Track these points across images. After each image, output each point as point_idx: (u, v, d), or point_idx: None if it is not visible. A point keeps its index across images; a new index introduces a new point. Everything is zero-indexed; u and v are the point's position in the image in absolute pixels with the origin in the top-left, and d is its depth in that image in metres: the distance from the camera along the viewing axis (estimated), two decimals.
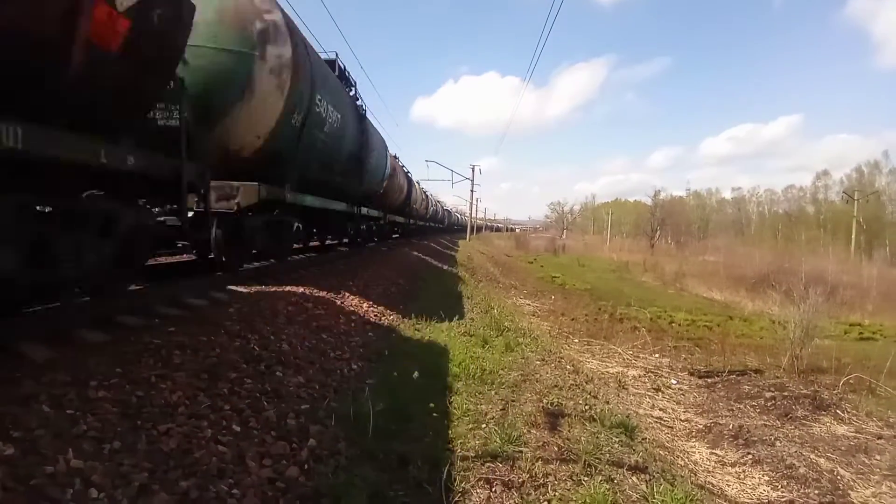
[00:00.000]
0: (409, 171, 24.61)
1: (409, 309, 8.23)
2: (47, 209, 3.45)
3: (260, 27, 6.26)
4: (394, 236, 24.74)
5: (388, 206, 18.29)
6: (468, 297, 10.92)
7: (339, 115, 9.40)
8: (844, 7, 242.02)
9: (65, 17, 2.89)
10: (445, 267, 17.63)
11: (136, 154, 3.90)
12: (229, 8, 6.09)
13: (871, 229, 55.08)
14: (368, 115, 12.82)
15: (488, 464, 3.31)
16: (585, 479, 3.36)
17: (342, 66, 11.32)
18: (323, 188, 9.38)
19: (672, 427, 6.46)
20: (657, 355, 10.28)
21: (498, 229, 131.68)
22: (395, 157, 19.56)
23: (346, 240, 14.06)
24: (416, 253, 19.18)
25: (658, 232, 72.13)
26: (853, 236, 45.61)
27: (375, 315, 7.11)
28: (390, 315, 7.46)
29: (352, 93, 11.75)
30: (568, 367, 6.97)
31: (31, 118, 2.90)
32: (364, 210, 13.66)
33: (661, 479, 3.76)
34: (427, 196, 37.29)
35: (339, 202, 10.75)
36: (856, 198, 47.06)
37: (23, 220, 3.14)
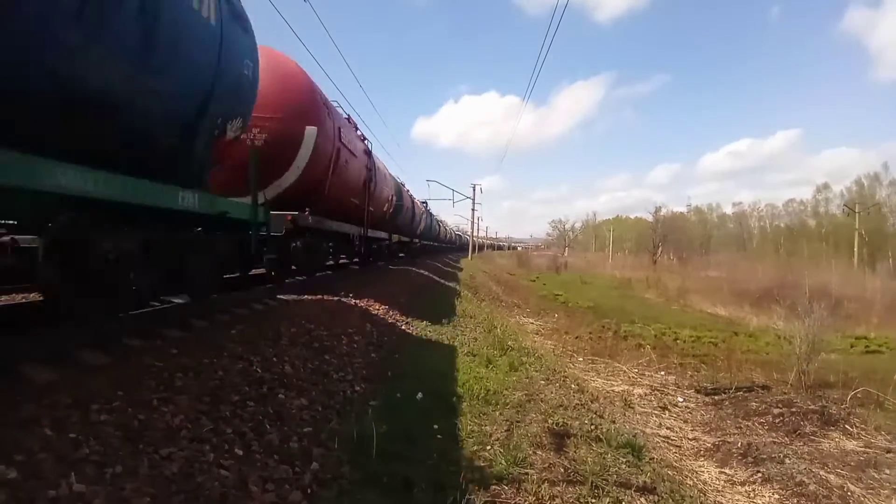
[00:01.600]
0: (433, 213, 36.69)
1: (412, 329, 8.20)
2: None
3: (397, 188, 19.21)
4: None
5: (420, 235, 30.30)
6: (471, 317, 10.89)
7: (423, 208, 30.90)
8: (841, 21, 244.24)
9: None
10: (449, 285, 17.61)
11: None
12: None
13: (874, 241, 55.01)
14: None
15: (494, 486, 3.27)
16: (593, 500, 3.32)
17: (412, 194, 25.54)
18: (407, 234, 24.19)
19: (680, 446, 6.39)
20: (663, 373, 10.20)
21: (500, 248, 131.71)
22: (424, 203, 33.72)
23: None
24: (422, 271, 19.34)
25: (660, 248, 72.08)
26: (855, 249, 45.54)
27: (378, 335, 7.08)
28: (393, 335, 7.44)
29: (420, 199, 27.03)
30: (573, 386, 6.92)
31: None
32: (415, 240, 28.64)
33: (670, 501, 3.71)
34: (440, 223, 46.51)
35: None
36: (857, 210, 47.07)
37: None
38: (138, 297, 4.55)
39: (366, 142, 13.52)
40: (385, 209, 16.53)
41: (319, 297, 8.11)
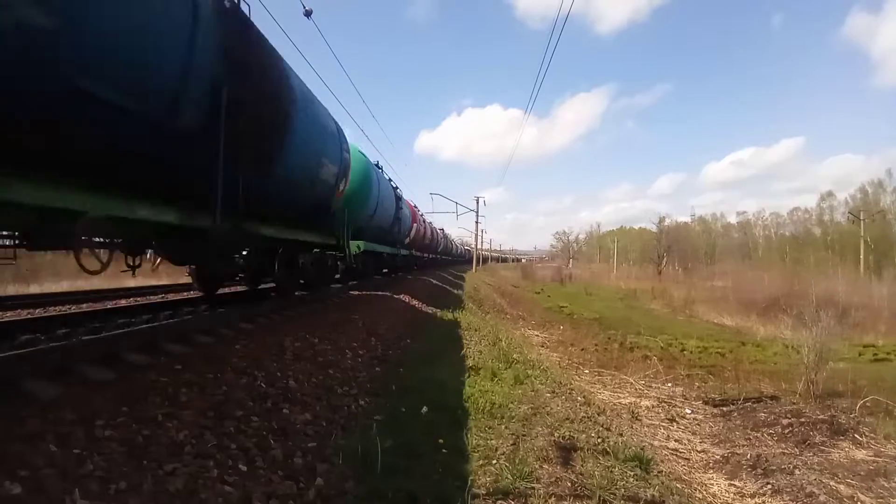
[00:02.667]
0: (448, 235, 48.86)
1: (416, 342, 8.18)
2: None
3: (432, 228, 33.88)
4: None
5: (440, 253, 41.23)
6: (476, 329, 10.85)
7: (441, 234, 41.13)
8: (842, 27, 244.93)
9: None
10: (453, 299, 17.59)
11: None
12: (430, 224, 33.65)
13: (879, 249, 54.60)
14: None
15: (500, 501, 3.24)
16: None
17: (435, 227, 36.22)
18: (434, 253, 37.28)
19: (689, 458, 6.32)
20: (670, 384, 10.12)
21: (504, 260, 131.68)
22: (441, 230, 42.79)
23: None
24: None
25: (665, 258, 71.87)
26: (861, 256, 45.27)
27: (383, 348, 7.07)
28: (398, 348, 7.42)
29: (425, 214, 32.66)
30: (579, 398, 6.86)
31: None
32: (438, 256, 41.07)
33: None
34: (451, 241, 56.07)
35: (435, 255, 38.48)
36: (861, 218, 46.87)
37: None
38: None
39: (422, 215, 28.62)
40: (428, 242, 30.48)
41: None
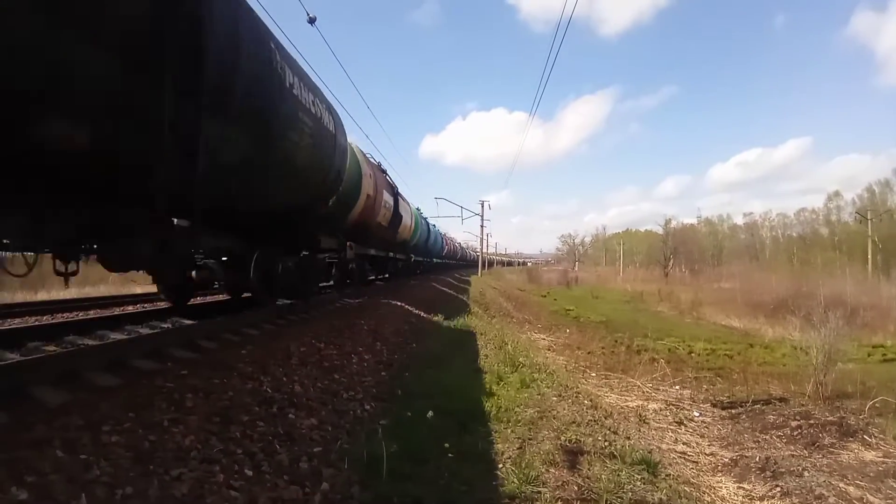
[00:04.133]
0: (462, 245, 66.75)
1: (421, 346, 8.18)
2: None
3: (454, 244, 58.26)
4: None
5: (458, 259, 60.12)
6: (482, 333, 10.83)
7: (458, 245, 62.63)
8: (846, 26, 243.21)
9: None
10: (458, 303, 17.58)
11: None
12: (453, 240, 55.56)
13: (888, 248, 54.11)
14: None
15: None
16: None
17: (452, 239, 57.04)
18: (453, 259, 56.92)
19: (697, 462, 6.28)
20: (678, 387, 10.07)
21: (509, 264, 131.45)
22: (454, 240, 58.91)
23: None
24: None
25: (671, 261, 71.57)
26: (869, 256, 44.88)
27: (388, 353, 7.07)
28: (403, 353, 7.42)
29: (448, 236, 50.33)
30: (586, 402, 6.83)
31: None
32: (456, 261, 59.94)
33: None
34: (461, 247, 66.12)
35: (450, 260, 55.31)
36: (869, 217, 46.48)
37: None
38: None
39: (448, 236, 48.20)
40: (450, 253, 44.15)
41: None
